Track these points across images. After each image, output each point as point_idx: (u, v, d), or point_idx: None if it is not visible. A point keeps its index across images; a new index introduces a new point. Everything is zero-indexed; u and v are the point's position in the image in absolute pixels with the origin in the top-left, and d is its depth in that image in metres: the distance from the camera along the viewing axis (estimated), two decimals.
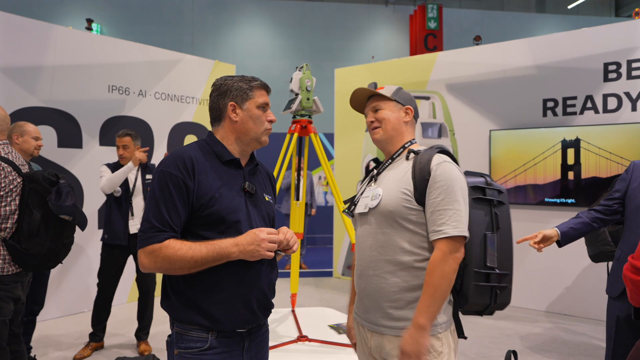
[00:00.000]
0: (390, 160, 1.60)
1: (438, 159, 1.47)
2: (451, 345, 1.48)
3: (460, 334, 1.52)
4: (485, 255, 1.47)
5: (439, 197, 1.41)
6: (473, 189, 1.52)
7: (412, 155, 1.53)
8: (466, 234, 1.40)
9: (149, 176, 3.50)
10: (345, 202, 1.76)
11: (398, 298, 1.45)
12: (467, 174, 1.57)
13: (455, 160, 1.52)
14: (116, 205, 3.44)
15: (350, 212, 1.65)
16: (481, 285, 1.46)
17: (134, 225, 3.40)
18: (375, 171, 1.65)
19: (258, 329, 1.54)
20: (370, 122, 1.63)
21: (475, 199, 1.51)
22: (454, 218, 1.39)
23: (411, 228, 1.45)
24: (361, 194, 1.63)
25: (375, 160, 1.72)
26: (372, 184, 1.60)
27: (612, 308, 2.13)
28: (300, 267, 6.66)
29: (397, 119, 1.60)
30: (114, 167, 3.50)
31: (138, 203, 3.45)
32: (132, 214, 3.41)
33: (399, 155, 1.59)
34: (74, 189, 2.56)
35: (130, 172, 3.45)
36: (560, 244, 2.18)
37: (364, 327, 1.57)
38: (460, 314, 1.54)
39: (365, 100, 1.68)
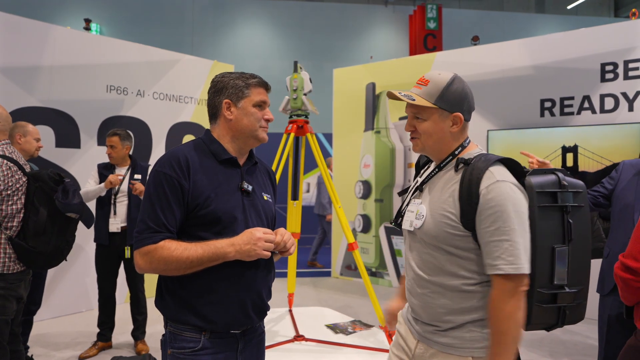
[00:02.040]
0: (437, 169, 1.38)
1: (489, 177, 1.23)
2: None
3: None
4: (553, 272, 1.27)
5: (491, 227, 1.21)
6: (540, 194, 1.27)
7: (461, 165, 1.30)
8: (524, 271, 1.20)
9: (137, 176, 3.51)
10: (401, 194, 1.55)
11: (448, 320, 1.32)
12: (536, 172, 1.32)
13: (518, 170, 1.30)
14: (100, 205, 3.47)
15: (398, 224, 1.47)
16: (545, 307, 1.28)
17: (115, 224, 3.41)
18: (419, 179, 1.45)
19: (253, 330, 1.52)
20: (409, 130, 1.39)
21: (542, 207, 1.26)
22: (510, 252, 1.19)
23: (457, 253, 1.28)
24: (407, 204, 1.45)
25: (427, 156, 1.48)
26: (418, 196, 1.41)
27: (603, 306, 2.16)
28: (315, 266, 6.87)
29: (440, 131, 1.33)
30: (104, 167, 3.52)
31: (122, 202, 3.46)
32: (115, 213, 3.42)
33: (447, 163, 1.36)
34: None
35: (120, 172, 3.49)
36: None
37: (411, 332, 1.45)
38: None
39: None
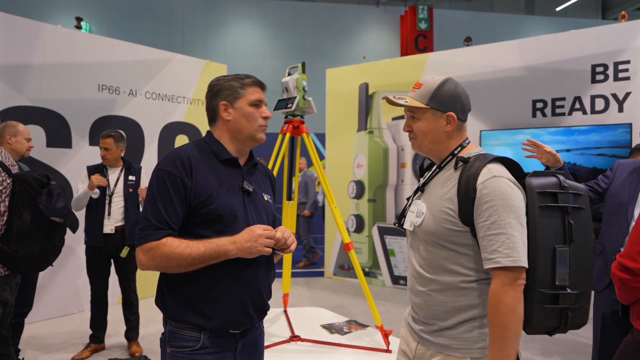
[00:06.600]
0: (437, 169, 1.41)
1: (486, 173, 1.26)
2: None
3: None
4: (554, 273, 1.26)
5: (488, 221, 1.22)
6: (541, 194, 1.28)
7: (460, 164, 1.33)
8: (522, 264, 1.21)
9: (131, 177, 3.47)
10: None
11: (447, 317, 1.34)
12: (536, 174, 1.34)
13: (517, 169, 1.33)
14: (93, 207, 3.40)
15: (400, 225, 1.50)
16: (547, 307, 1.26)
17: (109, 225, 3.37)
18: (421, 181, 1.48)
19: (252, 330, 1.53)
20: (406, 130, 1.43)
21: (542, 207, 1.27)
22: (507, 244, 1.20)
23: (456, 249, 1.31)
24: (409, 205, 1.48)
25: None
26: (419, 196, 1.44)
27: (597, 303, 2.19)
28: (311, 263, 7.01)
29: (435, 130, 1.38)
30: (95, 169, 3.46)
31: (117, 203, 3.42)
32: (109, 214, 3.38)
33: (447, 162, 1.39)
34: (64, 190, 2.53)
35: (113, 174, 3.46)
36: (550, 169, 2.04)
37: (410, 334, 1.48)
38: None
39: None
